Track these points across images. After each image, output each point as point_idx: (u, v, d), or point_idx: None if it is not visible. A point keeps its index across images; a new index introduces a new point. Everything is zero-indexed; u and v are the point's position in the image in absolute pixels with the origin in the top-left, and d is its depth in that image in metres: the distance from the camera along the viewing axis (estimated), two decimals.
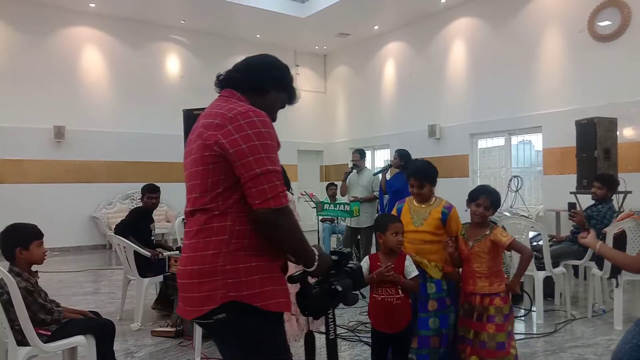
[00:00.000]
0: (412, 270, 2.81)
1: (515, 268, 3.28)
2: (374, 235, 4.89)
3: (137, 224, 4.95)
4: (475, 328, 2.84)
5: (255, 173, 1.55)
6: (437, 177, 3.20)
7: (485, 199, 2.93)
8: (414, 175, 3.11)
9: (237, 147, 1.56)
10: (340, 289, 1.75)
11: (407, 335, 2.86)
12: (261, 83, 1.80)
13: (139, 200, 10.23)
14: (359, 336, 4.15)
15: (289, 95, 1.91)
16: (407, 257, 2.86)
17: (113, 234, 4.88)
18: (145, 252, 4.65)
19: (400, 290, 2.74)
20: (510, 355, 2.83)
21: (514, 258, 4.30)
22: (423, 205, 3.13)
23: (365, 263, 2.87)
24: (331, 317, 1.87)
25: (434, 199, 3.16)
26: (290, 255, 1.74)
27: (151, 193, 5.08)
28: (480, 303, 2.82)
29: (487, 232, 2.90)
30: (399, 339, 2.81)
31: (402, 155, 6.16)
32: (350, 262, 1.85)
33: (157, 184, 5.22)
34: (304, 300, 1.72)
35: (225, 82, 1.83)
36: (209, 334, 1.87)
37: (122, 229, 4.88)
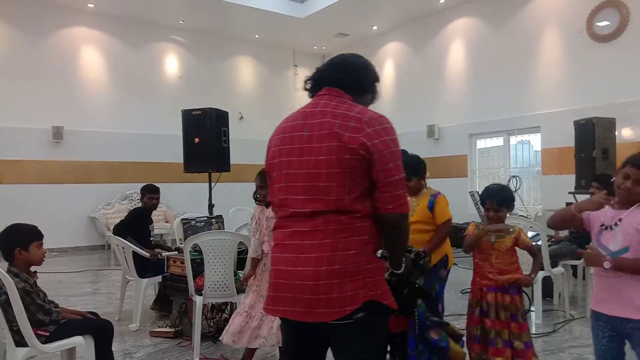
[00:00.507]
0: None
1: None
2: None
3: (136, 225, 4.93)
4: (495, 327, 2.79)
5: (393, 179, 1.65)
6: (424, 171, 3.30)
7: (490, 202, 2.91)
8: None
9: (380, 153, 1.63)
10: (422, 286, 1.86)
11: (405, 335, 2.87)
12: (362, 82, 1.85)
13: (138, 201, 10.30)
14: None
15: (373, 96, 1.94)
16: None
17: (112, 235, 4.87)
18: (144, 253, 4.64)
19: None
20: (536, 358, 2.83)
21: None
22: (413, 198, 3.22)
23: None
24: (416, 314, 2.04)
25: (424, 190, 3.27)
26: (392, 256, 1.80)
27: (152, 193, 5.07)
28: (511, 301, 2.80)
29: (511, 230, 2.90)
30: (398, 338, 2.83)
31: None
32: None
33: (156, 184, 5.21)
34: (396, 300, 1.77)
35: (329, 81, 1.83)
36: (337, 336, 1.69)
37: (121, 229, 4.86)
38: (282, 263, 1.70)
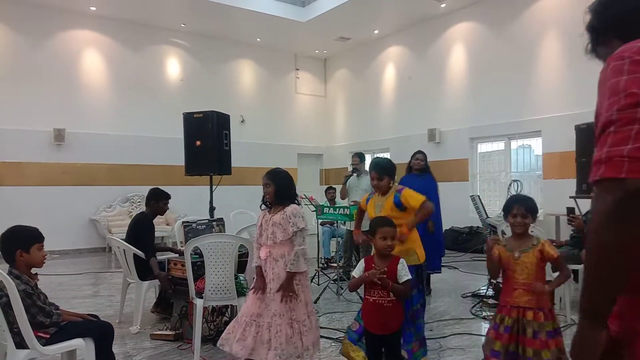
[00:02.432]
0: (404, 274, 2.81)
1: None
2: None
3: (151, 234, 4.88)
4: (518, 342, 2.67)
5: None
6: (394, 172, 3.64)
7: (519, 207, 2.80)
8: (375, 169, 3.59)
9: None
10: None
11: (399, 337, 2.91)
12: None
13: (139, 203, 10.34)
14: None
15: None
16: (401, 260, 2.86)
17: (112, 237, 4.86)
18: (165, 284, 4.48)
19: (392, 294, 2.76)
20: None
21: None
22: (379, 197, 3.60)
23: (360, 265, 2.91)
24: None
25: (390, 190, 3.58)
26: None
27: (166, 199, 4.97)
28: (534, 317, 2.66)
29: (535, 243, 2.76)
30: (390, 341, 2.86)
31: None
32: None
33: (160, 188, 5.19)
34: None
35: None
36: None
37: (149, 250, 4.66)
38: None
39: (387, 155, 11.94)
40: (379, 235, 2.84)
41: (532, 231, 4.76)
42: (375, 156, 3.45)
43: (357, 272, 2.89)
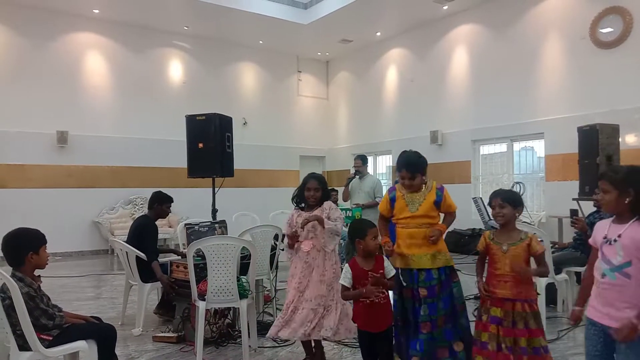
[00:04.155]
0: (390, 270, 2.99)
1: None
2: None
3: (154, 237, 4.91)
4: (513, 335, 2.76)
5: None
6: (426, 167, 3.28)
7: (496, 199, 2.93)
8: (406, 167, 3.20)
9: None
10: None
11: (390, 335, 3.00)
12: None
13: (141, 206, 10.35)
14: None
15: None
16: (385, 258, 3.00)
17: (115, 239, 4.86)
18: (167, 288, 4.48)
19: (385, 290, 2.88)
20: None
21: None
22: (416, 194, 3.22)
23: (347, 272, 2.93)
24: None
25: (424, 186, 3.26)
26: None
27: (170, 203, 5.02)
28: (522, 309, 2.76)
29: (523, 237, 2.86)
30: (383, 339, 2.93)
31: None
32: None
33: (161, 190, 5.21)
34: None
35: None
36: None
37: (152, 253, 4.66)
38: None
39: (388, 157, 11.95)
40: (370, 236, 2.93)
41: (534, 233, 4.79)
42: (402, 151, 3.27)
43: (345, 279, 2.93)
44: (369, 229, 2.96)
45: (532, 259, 2.92)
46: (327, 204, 3.59)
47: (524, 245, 2.83)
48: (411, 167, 3.19)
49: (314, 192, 3.54)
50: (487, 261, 3.00)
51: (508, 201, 2.90)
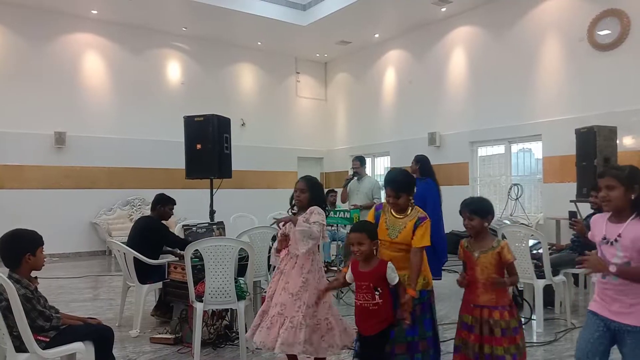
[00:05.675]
0: (394, 277, 2.85)
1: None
2: None
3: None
4: (483, 342, 2.75)
5: None
6: (414, 187, 3.14)
7: (464, 212, 2.94)
8: (391, 185, 3.04)
9: None
10: None
11: (382, 341, 2.88)
12: None
13: (139, 207, 10.34)
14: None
15: None
16: (389, 264, 2.86)
17: (113, 240, 4.86)
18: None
19: (377, 297, 2.79)
20: None
21: None
22: (399, 217, 3.06)
23: (349, 274, 2.93)
24: None
25: (410, 209, 3.08)
26: None
27: (172, 205, 5.06)
28: (489, 316, 2.75)
29: (495, 245, 2.85)
30: (371, 343, 2.88)
31: (419, 161, 5.94)
32: None
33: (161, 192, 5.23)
34: None
35: None
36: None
37: (181, 242, 4.72)
38: None
39: (386, 159, 11.96)
40: (350, 242, 2.90)
41: (532, 235, 4.77)
42: (388, 168, 3.02)
43: (349, 275, 2.94)
44: (350, 233, 2.95)
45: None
46: (313, 208, 3.33)
47: (494, 253, 2.82)
48: (396, 185, 3.03)
49: (299, 192, 3.37)
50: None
51: (475, 212, 2.90)
